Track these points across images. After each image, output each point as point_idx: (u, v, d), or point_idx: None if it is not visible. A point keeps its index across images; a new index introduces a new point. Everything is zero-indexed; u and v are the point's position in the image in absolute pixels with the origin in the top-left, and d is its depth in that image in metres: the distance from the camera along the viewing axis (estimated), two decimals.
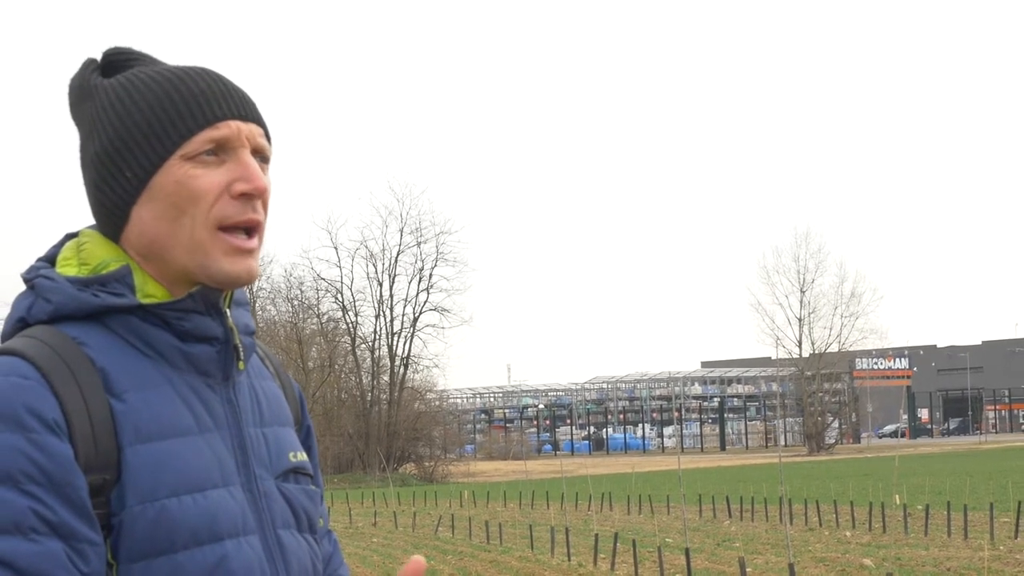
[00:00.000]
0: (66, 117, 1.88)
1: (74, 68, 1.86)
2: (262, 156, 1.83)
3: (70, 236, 1.85)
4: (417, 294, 61.01)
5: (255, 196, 1.80)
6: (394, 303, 61.39)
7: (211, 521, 1.72)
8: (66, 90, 1.86)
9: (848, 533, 21.02)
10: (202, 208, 1.77)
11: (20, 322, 1.78)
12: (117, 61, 1.85)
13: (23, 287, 1.82)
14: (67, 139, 1.89)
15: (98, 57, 1.86)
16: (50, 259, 1.83)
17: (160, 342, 1.78)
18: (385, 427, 58.14)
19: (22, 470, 1.61)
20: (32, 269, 1.82)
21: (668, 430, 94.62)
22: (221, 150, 1.79)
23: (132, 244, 1.80)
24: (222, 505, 1.75)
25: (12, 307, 1.80)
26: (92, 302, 1.76)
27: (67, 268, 1.80)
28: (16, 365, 1.68)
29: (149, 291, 1.78)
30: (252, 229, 1.80)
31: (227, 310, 1.84)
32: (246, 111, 1.83)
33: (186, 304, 1.78)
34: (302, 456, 1.93)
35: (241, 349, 1.85)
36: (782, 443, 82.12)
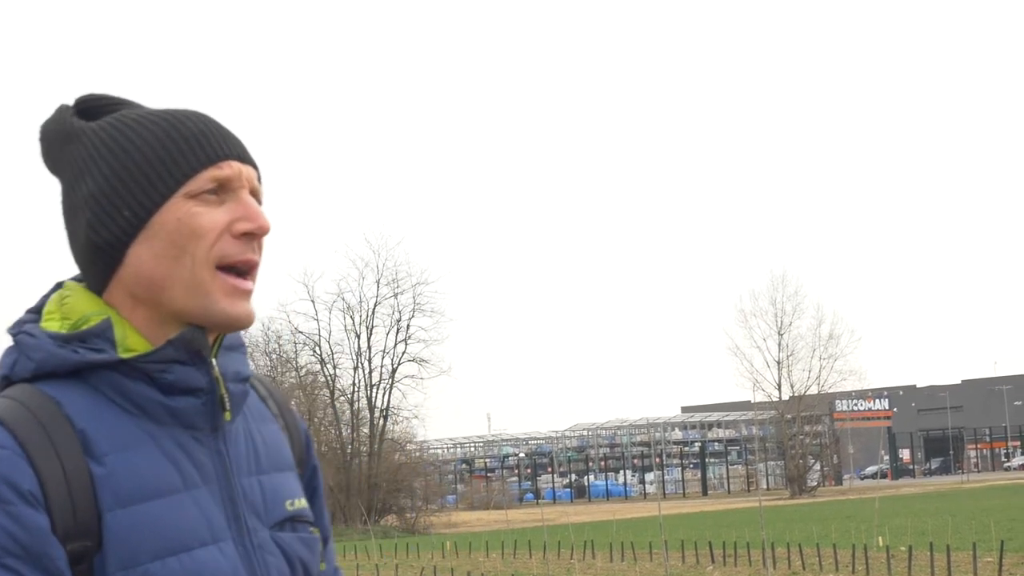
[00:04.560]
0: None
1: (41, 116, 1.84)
2: (256, 199, 1.83)
3: (59, 285, 1.83)
4: (395, 345, 60.82)
5: (258, 235, 1.79)
6: (372, 355, 61.16)
7: None
8: (39, 136, 1.83)
9: None
10: (203, 246, 1.75)
11: (4, 380, 1.76)
12: (95, 106, 1.83)
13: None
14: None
15: (70, 103, 1.83)
16: (38, 310, 1.80)
17: (142, 398, 1.74)
18: (366, 479, 57.82)
19: None
20: (17, 324, 1.80)
21: (649, 476, 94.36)
22: (222, 190, 1.78)
23: (125, 285, 1.77)
24: (210, 563, 1.72)
25: None
26: (72, 359, 1.73)
27: (50, 323, 1.77)
28: None
29: (130, 344, 1.75)
30: (249, 270, 1.79)
31: (213, 359, 1.80)
32: (243, 153, 1.83)
33: (167, 354, 1.74)
34: (300, 503, 1.89)
35: (227, 399, 1.80)
36: (764, 487, 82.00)
